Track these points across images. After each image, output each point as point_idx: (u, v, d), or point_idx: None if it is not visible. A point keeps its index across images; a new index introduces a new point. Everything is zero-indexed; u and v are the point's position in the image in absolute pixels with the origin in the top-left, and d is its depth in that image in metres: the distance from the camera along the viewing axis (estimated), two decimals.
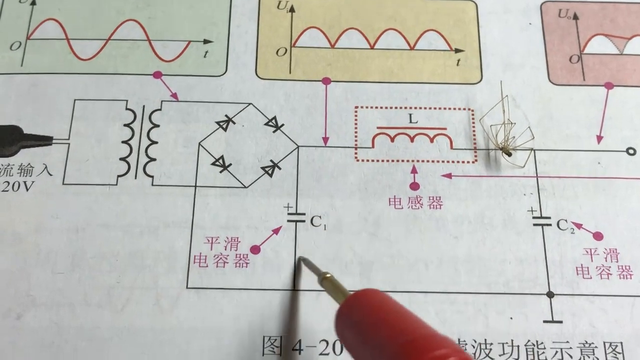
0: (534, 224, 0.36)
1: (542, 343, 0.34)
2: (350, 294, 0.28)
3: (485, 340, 0.34)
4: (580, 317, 0.34)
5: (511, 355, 0.33)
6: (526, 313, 0.34)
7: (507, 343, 0.34)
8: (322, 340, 0.33)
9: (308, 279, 0.34)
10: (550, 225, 0.36)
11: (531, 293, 0.34)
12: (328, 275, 0.31)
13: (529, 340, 0.34)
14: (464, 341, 0.34)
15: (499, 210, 0.36)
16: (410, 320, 0.25)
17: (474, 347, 0.33)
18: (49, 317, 0.33)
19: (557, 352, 0.33)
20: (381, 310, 0.26)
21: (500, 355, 0.33)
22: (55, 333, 0.33)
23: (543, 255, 0.35)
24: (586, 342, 0.34)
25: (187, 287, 0.34)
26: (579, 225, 0.36)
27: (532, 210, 0.36)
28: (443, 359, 0.22)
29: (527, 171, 0.37)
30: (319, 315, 0.34)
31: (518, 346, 0.33)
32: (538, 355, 0.33)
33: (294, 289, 0.34)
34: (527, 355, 0.33)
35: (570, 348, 0.33)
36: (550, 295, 0.34)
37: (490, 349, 0.33)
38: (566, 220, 0.36)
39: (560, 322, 0.34)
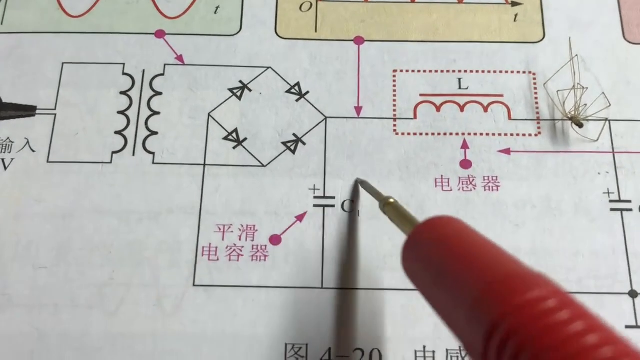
0: (612, 209, 0.34)
1: None
2: (420, 222, 0.26)
3: None
4: None
5: None
6: (604, 317, 0.30)
7: None
8: (357, 349, 0.31)
9: (343, 273, 0.32)
10: (631, 210, 0.34)
11: (610, 292, 0.32)
12: (392, 200, 0.30)
13: None
14: None
15: (569, 192, 0.34)
16: (497, 254, 0.23)
17: None
18: (29, 320, 0.32)
19: None
20: (460, 242, 0.24)
21: None
22: (35, 340, 0.31)
23: (623, 247, 0.33)
24: None
25: (193, 285, 0.32)
26: None
27: (608, 193, 0.34)
28: (540, 302, 0.20)
29: (602, 146, 0.35)
30: (351, 319, 0.32)
31: None
32: None
33: (323, 286, 0.32)
34: None
35: None
36: (633, 294, 0.32)
37: None
38: None
39: None
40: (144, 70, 0.36)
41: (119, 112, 0.35)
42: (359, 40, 0.37)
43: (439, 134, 0.35)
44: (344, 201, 0.33)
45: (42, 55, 0.37)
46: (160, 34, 0.37)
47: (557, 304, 0.19)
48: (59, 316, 0.31)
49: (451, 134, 0.35)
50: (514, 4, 0.38)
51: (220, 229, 0.33)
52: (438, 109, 0.35)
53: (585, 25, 0.37)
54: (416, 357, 0.30)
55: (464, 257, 0.23)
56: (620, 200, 0.33)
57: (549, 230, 0.33)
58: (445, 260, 0.24)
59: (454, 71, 0.36)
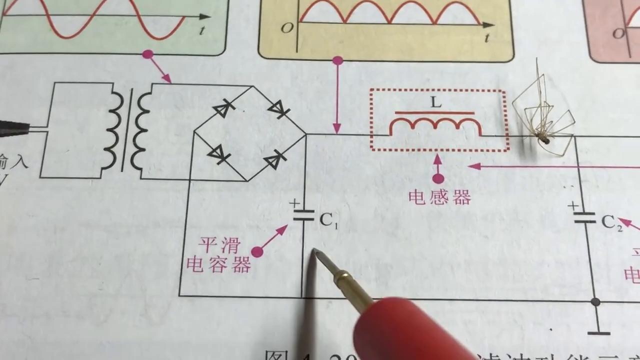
0: (576, 221, 0.34)
1: (587, 358, 0.32)
2: (374, 303, 0.26)
3: (521, 355, 0.32)
4: (631, 328, 0.32)
5: None
6: (568, 323, 0.32)
7: (546, 358, 0.32)
8: (334, 355, 0.32)
9: (321, 284, 0.33)
10: (594, 222, 0.34)
11: (574, 300, 0.33)
12: (345, 274, 0.30)
13: (571, 355, 0.32)
14: (497, 356, 0.32)
15: (535, 205, 0.35)
16: (446, 342, 0.23)
17: None
18: (22, 329, 0.32)
19: None
20: (411, 326, 0.25)
21: None
22: (28, 348, 0.32)
23: (587, 257, 0.34)
24: (638, 357, 0.32)
25: (179, 295, 0.33)
26: (627, 222, 0.34)
27: (573, 205, 0.35)
28: None
29: (567, 160, 0.36)
30: (330, 327, 0.32)
31: None
32: None
33: (302, 296, 0.33)
34: None
35: None
36: (595, 302, 0.33)
37: None
38: (612, 217, 0.34)
39: (608, 333, 0.32)
40: (132, 89, 0.37)
41: (108, 130, 0.36)
42: (337, 60, 0.38)
43: (413, 150, 0.36)
44: (323, 214, 0.34)
45: (35, 74, 0.37)
46: (147, 54, 0.38)
47: None
48: (51, 325, 0.32)
49: (425, 149, 0.36)
50: (485, 25, 0.38)
51: (204, 242, 0.34)
52: (412, 125, 0.36)
53: (553, 45, 0.38)
54: None
55: (414, 344, 0.23)
56: (584, 213, 0.34)
57: (516, 242, 0.34)
58: (396, 345, 0.24)
59: (427, 90, 0.37)
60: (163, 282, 0.33)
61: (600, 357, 0.32)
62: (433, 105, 0.37)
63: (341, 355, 0.32)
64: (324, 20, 0.39)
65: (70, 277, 0.33)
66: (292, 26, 0.38)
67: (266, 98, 0.37)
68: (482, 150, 0.36)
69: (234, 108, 0.36)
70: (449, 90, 0.37)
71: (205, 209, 0.34)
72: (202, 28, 0.38)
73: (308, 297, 0.33)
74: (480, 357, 0.31)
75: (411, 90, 0.37)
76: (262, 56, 0.38)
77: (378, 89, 0.37)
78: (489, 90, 0.37)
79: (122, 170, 0.35)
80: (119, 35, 0.38)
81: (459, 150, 0.36)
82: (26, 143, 0.35)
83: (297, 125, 0.36)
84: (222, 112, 0.36)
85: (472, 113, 0.36)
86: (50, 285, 0.33)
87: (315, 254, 0.33)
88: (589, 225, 0.34)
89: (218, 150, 0.35)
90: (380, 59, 0.38)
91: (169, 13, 0.39)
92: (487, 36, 0.38)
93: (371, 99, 0.37)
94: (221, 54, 0.38)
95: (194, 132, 0.36)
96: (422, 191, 0.35)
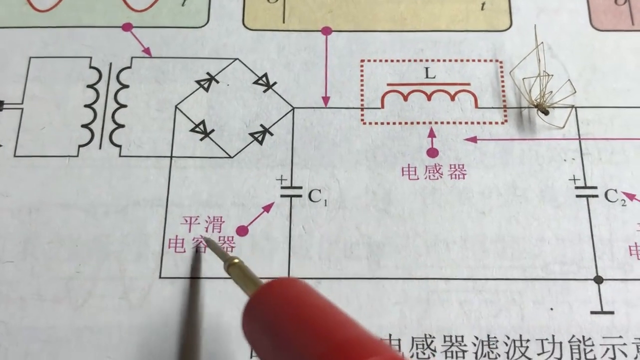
0: (577, 195, 0.34)
1: (589, 339, 0.31)
2: (263, 284, 0.26)
3: (521, 336, 0.31)
4: (635, 307, 0.32)
5: (552, 353, 0.31)
6: (570, 302, 0.32)
7: (547, 339, 0.31)
8: None
9: (310, 262, 0.32)
10: (596, 196, 0.34)
11: (575, 278, 0.32)
12: (236, 260, 0.29)
13: (573, 336, 0.31)
14: (495, 337, 0.31)
15: (535, 179, 0.34)
16: (338, 319, 0.23)
17: (506, 344, 0.31)
18: None
19: (608, 349, 0.31)
20: (301, 305, 0.24)
21: (539, 355, 0.31)
22: (2, 333, 0.31)
23: (589, 233, 0.33)
24: None
25: (160, 277, 0.32)
26: (631, 196, 0.34)
27: (574, 179, 0.34)
28: None
29: (568, 132, 0.35)
30: None
31: (561, 343, 0.31)
32: (585, 354, 0.31)
33: (289, 276, 0.32)
34: (571, 353, 0.31)
35: (624, 344, 0.31)
36: (598, 280, 0.32)
37: (527, 347, 0.31)
38: (616, 190, 0.34)
39: (612, 312, 0.32)
40: (110, 63, 0.36)
41: (85, 106, 0.35)
42: (326, 31, 0.37)
43: (406, 123, 0.35)
44: (311, 191, 0.33)
45: (9, 49, 0.36)
46: (127, 27, 0.37)
47: None
48: (26, 310, 0.31)
49: (418, 122, 0.35)
50: None
51: (187, 221, 0.33)
52: (405, 98, 0.35)
53: (552, 13, 0.37)
54: None
55: (304, 320, 0.23)
56: (586, 187, 0.34)
57: (515, 218, 0.33)
58: (285, 324, 0.23)
59: (421, 60, 0.36)
60: (143, 263, 0.32)
61: (603, 337, 0.31)
62: (427, 77, 0.36)
63: None
64: None
65: (46, 260, 0.32)
66: None
67: (251, 71, 0.36)
68: (478, 123, 0.35)
69: (217, 82, 0.36)
70: (444, 60, 0.36)
71: (188, 187, 0.34)
72: None
73: (296, 278, 0.31)
74: (477, 338, 0.31)
75: (404, 61, 0.36)
76: (247, 27, 0.37)
77: (369, 60, 0.36)
78: (485, 60, 0.36)
79: (100, 148, 0.34)
80: (98, 8, 0.38)
81: (454, 123, 0.35)
82: (0, 121, 0.35)
83: (284, 99, 0.35)
84: (205, 86, 0.36)
85: (468, 84, 0.36)
86: (25, 269, 0.32)
87: (205, 241, 0.32)
88: (591, 199, 0.33)
89: (201, 126, 0.35)
90: (371, 29, 0.37)
91: None
92: (483, 4, 0.38)
93: (362, 71, 0.36)
94: (204, 25, 0.37)
95: (176, 107, 0.35)
96: (415, 166, 0.34)
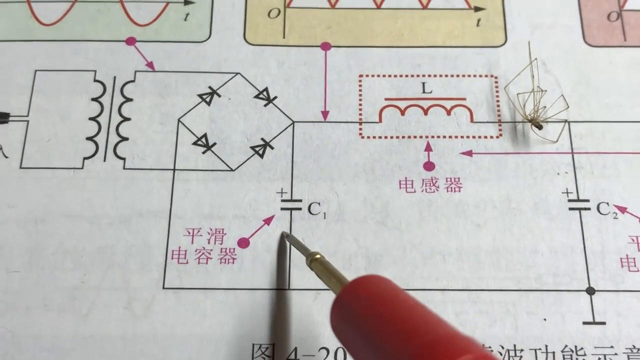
0: (570, 208, 0.34)
1: (582, 348, 0.32)
2: (350, 281, 0.26)
3: (515, 346, 0.32)
4: (626, 317, 0.32)
5: None
6: (562, 313, 0.32)
7: (540, 349, 0.32)
8: (322, 348, 0.32)
9: (309, 274, 0.32)
10: (589, 209, 0.34)
11: (568, 290, 0.33)
12: (318, 256, 0.29)
13: (566, 346, 0.32)
14: (490, 347, 0.32)
15: (529, 192, 0.34)
16: (426, 316, 0.23)
17: (501, 353, 0.31)
18: (2, 323, 0.32)
19: (599, 358, 0.31)
20: (389, 302, 0.24)
21: None
22: (8, 342, 0.32)
23: (581, 245, 0.33)
24: (634, 347, 0.32)
25: (163, 288, 0.33)
26: (623, 209, 0.34)
27: (567, 192, 0.34)
28: None
29: (561, 147, 0.35)
30: (318, 319, 0.32)
31: (553, 352, 0.31)
32: None
33: (289, 287, 0.33)
34: None
35: (616, 354, 0.31)
36: (590, 291, 0.33)
37: (521, 357, 0.31)
38: (608, 204, 0.34)
39: (603, 323, 0.32)
40: (115, 77, 0.36)
41: (90, 119, 0.36)
42: (325, 46, 0.37)
43: (403, 137, 0.35)
44: (311, 204, 0.34)
45: (15, 62, 0.37)
46: (131, 41, 0.37)
47: None
48: (32, 319, 0.32)
49: (415, 137, 0.35)
50: (476, 9, 0.38)
51: (189, 233, 0.33)
52: (402, 112, 0.36)
53: (546, 29, 0.38)
54: None
55: (393, 319, 0.23)
56: (578, 200, 0.34)
57: (509, 230, 0.33)
58: (374, 322, 0.23)
59: (418, 75, 0.37)
60: (147, 274, 0.33)
61: (595, 347, 0.31)
62: (423, 92, 0.36)
63: (329, 347, 0.31)
64: (312, 6, 0.38)
65: (51, 270, 0.33)
66: (279, 11, 0.38)
67: (252, 85, 0.36)
68: (473, 137, 0.35)
69: (219, 96, 0.36)
70: (440, 76, 0.37)
71: (190, 199, 0.34)
72: (187, 14, 0.38)
73: (296, 289, 0.32)
74: None
75: (401, 76, 0.37)
76: (248, 42, 0.37)
77: (367, 75, 0.37)
78: (480, 76, 0.37)
79: (104, 160, 0.35)
80: (102, 22, 0.38)
81: (450, 137, 0.35)
82: (6, 132, 0.35)
83: (284, 113, 0.36)
84: (208, 99, 0.36)
85: (464, 99, 0.36)
86: (31, 278, 0.32)
87: (285, 237, 0.33)
88: (583, 212, 0.34)
89: (203, 139, 0.35)
90: (369, 44, 0.37)
91: None
92: (478, 20, 0.38)
93: (360, 86, 0.36)
94: (206, 40, 0.37)
95: (179, 120, 0.36)
96: (412, 179, 0.34)
